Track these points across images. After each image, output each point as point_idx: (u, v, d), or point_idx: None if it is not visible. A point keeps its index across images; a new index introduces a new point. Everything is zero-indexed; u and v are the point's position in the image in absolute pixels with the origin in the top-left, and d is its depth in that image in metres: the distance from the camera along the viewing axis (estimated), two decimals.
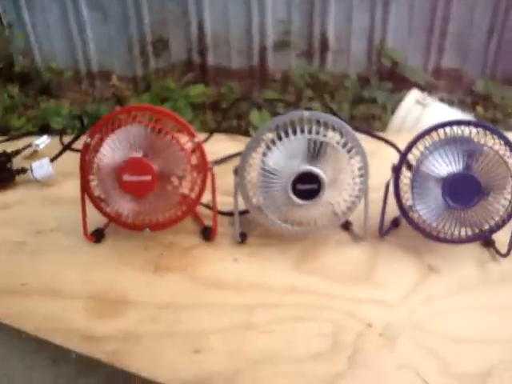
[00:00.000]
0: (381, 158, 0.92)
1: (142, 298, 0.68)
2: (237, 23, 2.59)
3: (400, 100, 1.78)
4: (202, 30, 2.60)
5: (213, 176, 0.73)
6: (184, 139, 0.70)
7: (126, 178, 0.68)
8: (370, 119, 2.29)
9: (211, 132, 0.92)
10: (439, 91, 2.49)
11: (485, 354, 0.61)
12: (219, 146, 0.98)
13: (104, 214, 0.74)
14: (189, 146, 0.71)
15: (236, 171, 0.70)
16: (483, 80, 2.66)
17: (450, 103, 2.09)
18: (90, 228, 0.77)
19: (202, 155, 0.71)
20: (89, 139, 0.70)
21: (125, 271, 0.72)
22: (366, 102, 2.38)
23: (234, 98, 0.88)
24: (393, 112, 1.80)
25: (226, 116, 1.00)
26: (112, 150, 0.69)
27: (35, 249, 0.77)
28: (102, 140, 0.69)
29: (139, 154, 0.69)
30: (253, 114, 1.89)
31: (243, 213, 0.77)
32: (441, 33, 2.65)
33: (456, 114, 1.70)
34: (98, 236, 0.77)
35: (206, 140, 0.92)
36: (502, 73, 2.73)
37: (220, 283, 0.70)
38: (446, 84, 2.64)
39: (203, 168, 0.71)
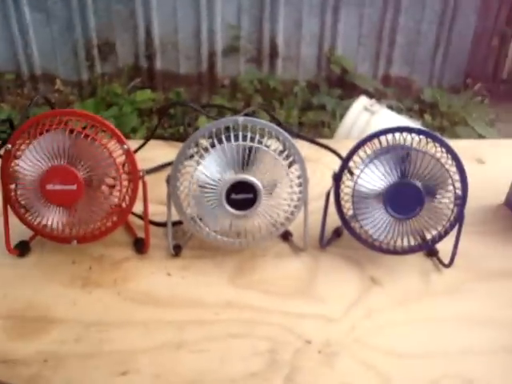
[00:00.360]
0: (324, 166, 0.91)
1: (67, 315, 0.63)
2: (185, 27, 2.56)
3: (349, 107, 1.78)
4: (149, 34, 2.55)
5: (144, 184, 0.68)
6: (115, 146, 0.66)
7: (50, 187, 0.64)
8: (319, 126, 2.29)
9: (147, 139, 0.88)
10: (388, 98, 2.51)
11: (427, 369, 0.59)
12: (156, 152, 0.93)
13: (28, 225, 0.69)
14: (119, 152, 0.66)
15: (168, 180, 0.67)
16: (430, 88, 2.70)
17: (399, 111, 2.11)
18: (15, 241, 0.71)
19: (132, 162, 0.67)
20: (9, 146, 0.65)
21: (49, 287, 0.67)
22: (315, 109, 2.38)
23: (170, 102, 0.84)
24: (342, 119, 1.80)
25: (160, 121, 0.94)
26: (34, 158, 0.64)
27: None
28: (23, 146, 0.64)
29: (64, 162, 0.64)
30: (201, 121, 1.85)
31: (177, 223, 0.73)
32: (389, 42, 2.69)
33: (404, 121, 1.70)
34: (22, 249, 0.71)
35: (141, 146, 0.88)
36: (448, 82, 2.79)
37: (151, 299, 0.66)
38: (395, 92, 2.67)
39: (133, 176, 0.67)
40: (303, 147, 0.88)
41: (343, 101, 2.37)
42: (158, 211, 0.76)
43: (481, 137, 2.37)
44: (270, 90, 2.47)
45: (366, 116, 1.66)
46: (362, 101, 1.74)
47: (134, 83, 2.54)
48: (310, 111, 2.36)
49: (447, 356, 0.60)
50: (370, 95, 2.03)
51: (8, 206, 0.68)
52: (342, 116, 1.90)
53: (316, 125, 2.29)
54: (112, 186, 0.68)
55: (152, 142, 0.96)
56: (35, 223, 0.68)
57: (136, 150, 0.86)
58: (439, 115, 2.50)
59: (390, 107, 1.98)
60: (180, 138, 0.93)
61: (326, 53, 2.60)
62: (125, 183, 0.67)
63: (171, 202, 0.68)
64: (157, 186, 0.71)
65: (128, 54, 2.61)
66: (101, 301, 0.65)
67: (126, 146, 0.66)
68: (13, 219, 0.69)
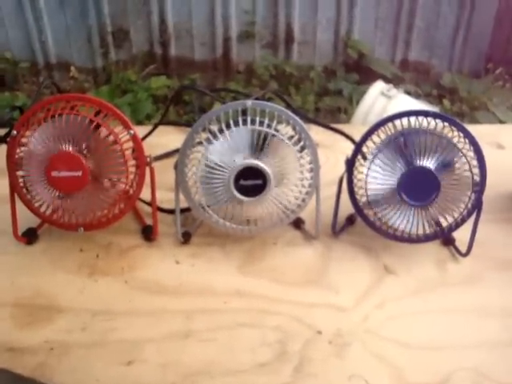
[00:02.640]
0: (339, 152, 0.88)
1: (74, 304, 0.62)
2: (200, 13, 2.53)
3: (366, 92, 1.74)
4: (163, 21, 2.53)
5: (151, 170, 0.67)
6: (123, 132, 0.65)
7: (55, 173, 0.62)
8: (336, 112, 2.25)
9: (157, 125, 0.86)
10: (406, 84, 2.46)
11: (441, 362, 0.57)
12: (168, 138, 0.92)
13: (35, 213, 0.68)
14: (127, 138, 0.65)
15: (176, 166, 0.65)
16: (450, 74, 2.65)
17: (417, 96, 2.07)
18: (23, 228, 0.70)
19: (139, 148, 0.65)
20: (14, 132, 0.64)
21: (57, 275, 0.66)
22: (331, 95, 2.34)
23: (180, 86, 0.81)
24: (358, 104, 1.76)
25: (169, 106, 0.92)
26: (39, 144, 0.63)
27: None
28: (29, 133, 0.63)
29: (69, 148, 0.63)
30: (215, 108, 1.83)
31: (186, 210, 0.71)
32: (408, 26, 2.63)
33: (421, 106, 1.67)
34: (29, 237, 0.70)
35: (150, 132, 0.86)
36: (468, 67, 2.73)
37: (159, 287, 0.65)
38: (413, 77, 2.62)
39: (140, 162, 0.66)
40: (317, 133, 0.86)
41: (360, 86, 2.32)
42: (167, 198, 0.75)
43: (501, 122, 2.32)
44: (285, 75, 2.44)
45: (382, 101, 1.63)
46: (379, 86, 1.70)
47: (149, 70, 2.52)
48: (327, 97, 2.33)
49: (462, 348, 0.58)
50: (388, 80, 1.99)
51: (15, 194, 0.67)
52: (358, 101, 1.86)
53: (332, 111, 2.25)
54: (118, 172, 0.66)
55: (163, 128, 0.95)
56: (42, 210, 0.67)
57: (146, 136, 0.85)
58: (458, 100, 2.45)
59: (408, 93, 1.94)
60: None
61: (342, 37, 2.55)
62: (132, 169, 0.66)
63: (179, 189, 0.67)
64: (166, 173, 0.70)
65: (142, 41, 2.59)
66: (108, 289, 0.64)
67: (132, 132, 0.64)
68: (20, 207, 0.68)
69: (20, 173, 0.65)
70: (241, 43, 2.57)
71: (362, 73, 2.50)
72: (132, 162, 0.66)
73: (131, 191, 0.67)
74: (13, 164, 0.65)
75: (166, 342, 0.58)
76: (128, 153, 0.65)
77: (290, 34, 2.57)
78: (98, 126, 0.63)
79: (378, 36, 2.61)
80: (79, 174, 0.62)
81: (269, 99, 0.84)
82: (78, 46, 2.58)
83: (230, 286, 0.65)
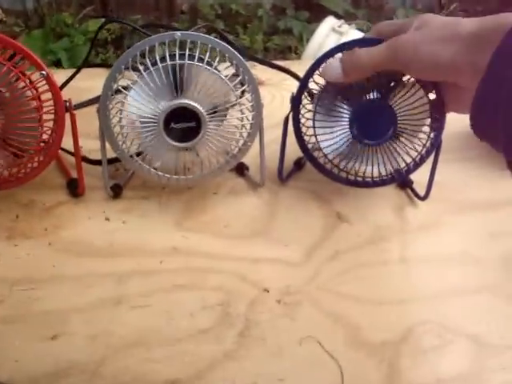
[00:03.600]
0: (286, 91, 0.81)
1: None
2: None
3: (316, 29, 1.66)
4: None
5: (72, 116, 0.58)
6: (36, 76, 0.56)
7: None
8: (286, 51, 2.16)
9: (79, 67, 0.77)
10: (358, 20, 2.38)
11: (401, 316, 0.53)
12: (96, 82, 0.82)
13: None
14: (44, 83, 0.56)
15: (98, 110, 0.57)
16: (404, 9, 2.58)
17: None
18: None
19: (55, 91, 0.56)
20: None
21: None
22: (280, 34, 2.25)
23: (105, 20, 0.72)
24: None
25: (93, 44, 0.83)
26: None
27: None
28: None
29: None
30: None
31: (115, 160, 0.63)
32: None
33: None
34: None
35: (74, 74, 0.77)
36: (422, 2, 2.66)
37: (87, 249, 0.57)
38: (366, 13, 2.54)
39: (59, 107, 0.57)
40: (264, 72, 0.80)
41: (311, 24, 2.23)
42: (96, 147, 0.67)
43: None
44: (232, 14, 2.32)
45: (333, 38, 1.55)
46: (330, 21, 1.62)
47: (86, 12, 2.35)
48: (276, 36, 2.23)
49: (423, 300, 0.54)
50: (340, 17, 1.90)
51: None
52: (309, 40, 1.77)
53: (283, 50, 2.16)
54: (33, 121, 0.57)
55: (92, 71, 0.85)
56: None
57: (69, 80, 0.75)
58: None
59: (361, 30, 1.86)
60: None
61: None
62: (49, 116, 0.57)
63: (105, 138, 0.59)
64: (95, 119, 0.61)
65: None
66: (29, 254, 0.56)
67: (44, 73, 0.55)
68: None
69: None
70: None
71: (313, 10, 2.40)
72: (47, 109, 0.57)
73: (50, 140, 0.58)
74: None
75: (94, 310, 0.52)
76: (44, 98, 0.56)
77: None
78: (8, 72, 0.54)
79: None
80: None
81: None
82: None
83: (167, 244, 0.58)
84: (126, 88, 0.54)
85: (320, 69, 0.57)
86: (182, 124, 0.54)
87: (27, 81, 0.55)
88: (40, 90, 0.56)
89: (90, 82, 0.80)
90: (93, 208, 0.62)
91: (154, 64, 0.52)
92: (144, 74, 0.52)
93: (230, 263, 0.56)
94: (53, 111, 0.57)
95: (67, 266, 0.55)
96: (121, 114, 0.56)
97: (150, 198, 0.63)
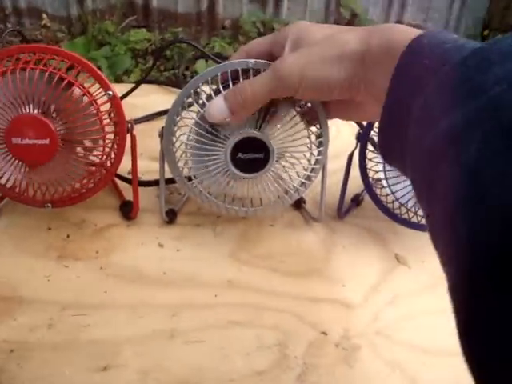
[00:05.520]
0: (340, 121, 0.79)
1: (39, 295, 0.53)
2: None
3: None
4: None
5: (133, 138, 0.57)
6: (98, 91, 0.55)
7: (17, 140, 0.52)
8: None
9: (138, 83, 0.76)
10: None
11: (461, 368, 0.50)
12: (149, 99, 0.81)
13: None
14: (103, 100, 0.55)
15: (161, 134, 0.55)
16: None
17: None
18: None
19: (119, 112, 0.55)
20: None
21: (19, 259, 0.56)
22: None
23: (170, 40, 0.71)
24: None
25: (156, 62, 0.82)
26: None
27: None
28: None
29: (34, 110, 0.52)
30: (199, 65, 1.72)
31: (169, 182, 0.61)
32: None
33: None
34: None
35: (131, 91, 0.76)
36: (464, 32, 2.63)
37: (139, 276, 0.56)
38: None
39: (120, 129, 0.56)
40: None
41: None
42: (148, 168, 0.66)
43: None
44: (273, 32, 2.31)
45: None
46: None
47: (128, 21, 2.36)
48: None
49: None
50: None
51: None
52: None
53: None
54: (92, 140, 0.56)
55: (145, 87, 0.84)
56: (2, 183, 0.57)
57: (125, 96, 0.74)
58: None
59: None
60: (177, 83, 0.81)
61: None
62: (109, 137, 0.56)
63: (165, 160, 0.57)
64: (148, 138, 0.60)
65: None
66: (79, 277, 0.55)
67: (111, 93, 0.54)
68: None
69: None
70: None
71: None
72: (109, 128, 0.56)
73: (108, 163, 0.57)
74: None
75: (147, 342, 0.49)
76: (105, 118, 0.55)
77: None
78: (70, 85, 0.53)
79: None
80: (46, 141, 0.52)
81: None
82: None
83: (222, 276, 0.56)
84: (195, 110, 0.53)
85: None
86: (250, 155, 0.52)
87: (95, 105, 0.54)
88: (102, 109, 0.54)
89: (142, 99, 0.79)
90: (146, 233, 0.60)
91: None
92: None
93: (287, 301, 0.54)
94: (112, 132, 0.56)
95: (118, 293, 0.54)
96: (186, 137, 0.54)
97: (204, 226, 0.61)
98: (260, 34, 2.28)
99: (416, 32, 0.38)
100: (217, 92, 0.50)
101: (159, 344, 0.49)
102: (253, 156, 0.52)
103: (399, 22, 2.56)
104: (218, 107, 0.48)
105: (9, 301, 0.52)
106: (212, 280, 0.56)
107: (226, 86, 0.50)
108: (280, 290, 0.55)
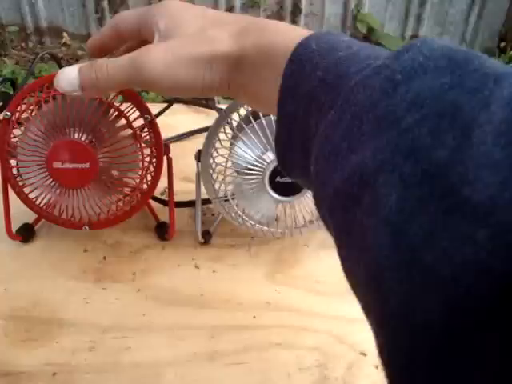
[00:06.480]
0: None
1: (78, 317, 0.53)
2: None
3: None
4: None
5: (169, 160, 0.58)
6: (132, 116, 0.55)
7: (57, 165, 0.53)
8: None
9: (169, 102, 0.76)
10: None
11: None
12: (178, 119, 0.82)
13: (31, 207, 0.58)
14: (139, 122, 0.56)
15: (198, 157, 0.56)
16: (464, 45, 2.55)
17: None
18: (17, 225, 0.61)
19: (157, 136, 0.56)
20: (8, 113, 0.54)
21: (57, 281, 0.57)
22: None
23: None
24: None
25: None
26: (39, 129, 0.53)
27: None
28: (26, 114, 0.54)
29: (75, 135, 0.53)
30: None
31: (204, 203, 0.62)
32: (420, 0, 2.52)
33: None
34: (25, 234, 0.61)
35: (162, 112, 0.76)
36: (480, 45, 2.63)
37: (177, 297, 0.56)
38: None
39: (157, 152, 0.56)
40: None
41: None
42: (180, 189, 0.66)
43: None
44: None
45: None
46: None
47: None
48: None
49: None
50: None
51: (8, 185, 0.58)
52: None
53: None
54: (129, 164, 0.57)
55: (173, 106, 0.85)
56: (40, 205, 0.58)
57: (156, 116, 0.75)
58: None
59: None
60: (207, 103, 0.81)
61: (351, 10, 2.44)
62: (146, 159, 0.57)
63: (200, 182, 0.58)
64: (179, 159, 0.61)
65: (140, 7, 2.44)
66: (118, 299, 0.55)
67: (149, 117, 0.55)
68: (14, 199, 0.59)
69: (14, 162, 0.56)
70: (245, 12, 2.44)
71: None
72: (146, 152, 0.56)
73: (145, 185, 0.58)
74: (5, 151, 0.56)
75: (187, 365, 0.50)
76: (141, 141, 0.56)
77: (297, 4, 2.45)
78: (108, 110, 0.54)
79: (388, 10, 2.49)
80: (86, 165, 0.53)
81: None
82: (71, 10, 2.42)
83: (259, 298, 0.56)
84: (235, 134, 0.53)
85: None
86: (288, 178, 0.52)
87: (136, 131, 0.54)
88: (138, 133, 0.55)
89: (164, 118, 0.80)
90: (182, 254, 0.61)
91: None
92: (263, 120, 0.51)
93: (326, 322, 0.54)
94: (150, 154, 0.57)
95: (157, 316, 0.54)
96: (224, 161, 0.54)
97: (239, 247, 0.62)
98: None
99: (298, 33, 0.33)
100: (256, 117, 0.51)
101: (200, 366, 0.50)
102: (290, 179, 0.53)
103: (415, 36, 2.57)
104: (68, 77, 0.39)
105: (49, 323, 0.53)
106: (250, 301, 0.56)
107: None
108: (317, 310, 0.55)
